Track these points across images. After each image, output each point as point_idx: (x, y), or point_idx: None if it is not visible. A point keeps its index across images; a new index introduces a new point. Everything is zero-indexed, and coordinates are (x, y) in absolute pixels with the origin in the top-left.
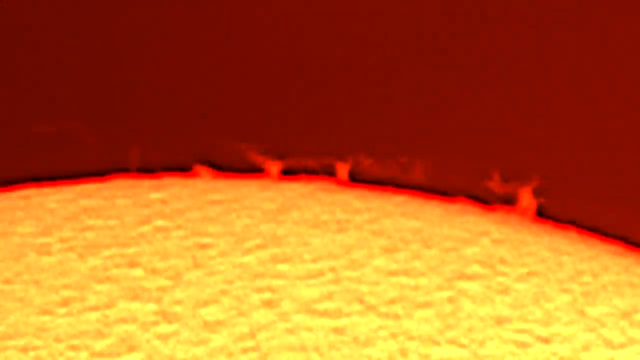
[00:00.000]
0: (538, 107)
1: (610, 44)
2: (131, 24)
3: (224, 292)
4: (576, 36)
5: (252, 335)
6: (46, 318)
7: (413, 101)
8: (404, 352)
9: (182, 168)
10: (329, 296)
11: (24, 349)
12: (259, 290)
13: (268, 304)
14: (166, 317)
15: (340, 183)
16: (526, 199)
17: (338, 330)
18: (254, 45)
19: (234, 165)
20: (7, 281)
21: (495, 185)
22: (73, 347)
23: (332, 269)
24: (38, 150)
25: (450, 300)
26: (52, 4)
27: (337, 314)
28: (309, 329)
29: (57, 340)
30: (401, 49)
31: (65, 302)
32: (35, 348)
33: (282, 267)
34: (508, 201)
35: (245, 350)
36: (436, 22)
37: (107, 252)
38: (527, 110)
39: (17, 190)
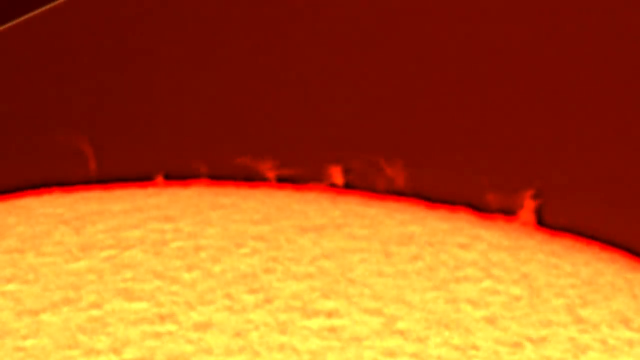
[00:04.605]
0: (536, 114)
1: (606, 50)
2: (128, 31)
3: (217, 293)
4: (572, 42)
5: (244, 335)
6: (40, 317)
7: (412, 110)
8: (397, 353)
9: (178, 176)
10: (323, 297)
11: (17, 349)
12: (253, 291)
13: (261, 304)
14: (160, 316)
15: (337, 190)
16: (524, 207)
17: (331, 330)
18: (251, 53)
19: (231, 172)
20: (1, 282)
21: (493, 193)
22: (66, 346)
23: (326, 271)
24: (35, 160)
25: (445, 301)
26: (51, 14)
27: (330, 314)
28: (302, 329)
29: (51, 339)
30: (400, 58)
31: (59, 302)
32: (28, 347)
33: (277, 269)
34: (506, 210)
35: (237, 350)
36: (436, 24)
37: (102, 254)
38: (525, 118)
39: (14, 198)
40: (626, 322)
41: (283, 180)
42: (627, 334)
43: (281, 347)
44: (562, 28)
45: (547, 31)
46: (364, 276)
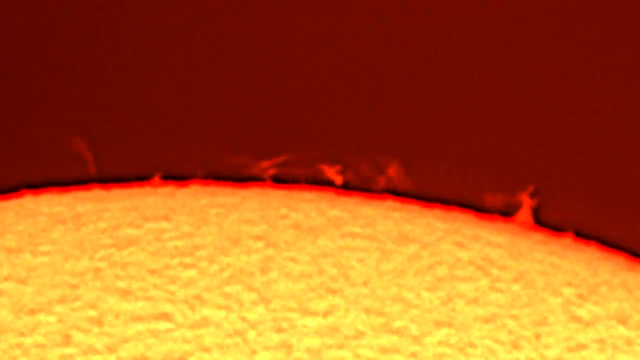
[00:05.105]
0: (535, 114)
1: (606, 50)
2: (125, 31)
3: (214, 292)
4: (571, 42)
5: (242, 333)
6: (37, 316)
7: (410, 109)
8: (394, 351)
9: (176, 176)
10: (320, 296)
11: (14, 347)
12: (250, 289)
13: (259, 302)
14: (157, 315)
15: (335, 189)
16: (522, 206)
17: (328, 329)
18: (250, 52)
19: (228, 172)
20: None
21: (491, 193)
22: (63, 344)
23: (324, 270)
24: (33, 159)
25: (442, 300)
26: (52, 13)
27: (327, 313)
28: (299, 328)
29: (48, 337)
30: (399, 57)
31: (56, 301)
32: (25, 345)
33: (274, 268)
34: (504, 209)
35: (234, 348)
36: (434, 24)
37: (99, 253)
38: (524, 117)
39: (12, 196)
40: (624, 321)
41: (281, 180)
42: (625, 333)
43: (278, 346)
44: (561, 27)
45: (547, 31)
46: (361, 275)
